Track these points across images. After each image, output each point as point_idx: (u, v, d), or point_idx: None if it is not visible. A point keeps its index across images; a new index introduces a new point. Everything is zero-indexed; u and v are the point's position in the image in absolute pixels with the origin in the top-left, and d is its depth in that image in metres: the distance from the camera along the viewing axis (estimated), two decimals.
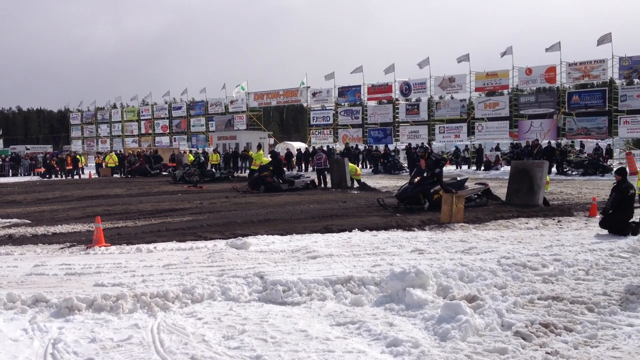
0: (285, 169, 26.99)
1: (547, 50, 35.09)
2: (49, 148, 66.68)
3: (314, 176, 24.84)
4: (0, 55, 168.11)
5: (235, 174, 32.63)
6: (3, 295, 6.23)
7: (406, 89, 41.88)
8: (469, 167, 36.21)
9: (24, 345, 5.09)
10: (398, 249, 9.16)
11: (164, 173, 36.36)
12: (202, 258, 8.59)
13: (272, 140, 51.41)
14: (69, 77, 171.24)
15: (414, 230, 11.36)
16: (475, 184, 16.39)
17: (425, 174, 14.85)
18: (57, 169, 37.76)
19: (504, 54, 36.94)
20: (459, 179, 15.81)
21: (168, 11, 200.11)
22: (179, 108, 56.97)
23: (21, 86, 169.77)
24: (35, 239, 10.87)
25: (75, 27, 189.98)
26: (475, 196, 15.45)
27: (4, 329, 5.40)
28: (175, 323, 5.61)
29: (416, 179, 14.88)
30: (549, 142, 32.37)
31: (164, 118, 58.09)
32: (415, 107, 42.28)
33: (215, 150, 39.47)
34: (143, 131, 59.74)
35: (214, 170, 31.28)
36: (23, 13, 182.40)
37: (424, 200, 14.53)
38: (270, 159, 23.47)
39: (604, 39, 33.00)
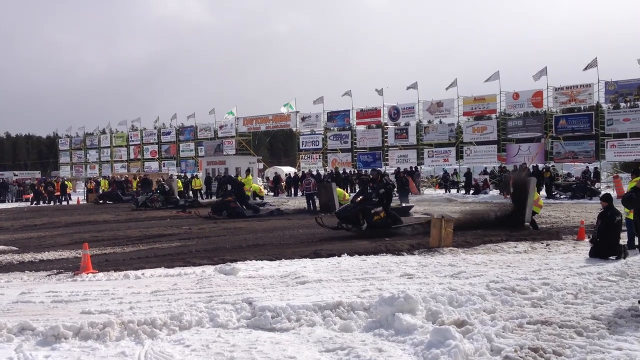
0: (272, 193, 26.63)
1: (534, 77, 35.57)
2: (37, 174, 66.33)
3: (302, 202, 24.78)
4: None
5: (201, 201, 32.05)
6: None
7: (395, 113, 42.20)
8: (457, 191, 36.31)
9: None
10: (387, 274, 9.14)
11: (138, 198, 35.28)
12: (190, 284, 8.54)
13: (261, 165, 51.42)
14: (58, 103, 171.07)
15: (403, 255, 11.35)
16: (422, 214, 16.10)
17: (370, 195, 14.47)
18: (45, 195, 37.50)
19: (489, 79, 37.36)
20: (404, 205, 15.69)
21: (157, 37, 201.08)
22: (168, 133, 57.00)
23: (10, 112, 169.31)
24: (22, 266, 10.79)
25: (64, 53, 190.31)
26: (419, 225, 14.96)
27: None
28: (162, 351, 5.55)
29: (359, 199, 14.57)
30: (536, 165, 32.59)
31: (153, 143, 58.08)
32: (404, 131, 42.58)
33: (196, 176, 39.48)
34: (132, 156, 59.69)
35: (177, 197, 30.39)
36: (12, 39, 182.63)
37: (362, 220, 14.23)
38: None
39: (590, 64, 33.49)
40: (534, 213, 15.45)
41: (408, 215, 14.96)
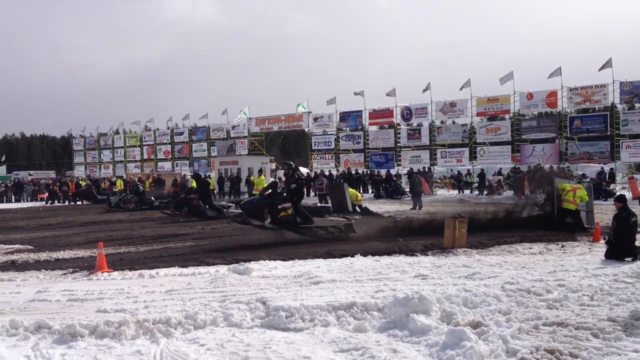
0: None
1: (548, 77, 35.43)
2: (52, 174, 66.85)
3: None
4: (4, 81, 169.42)
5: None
6: (6, 321, 6.20)
7: (407, 113, 42.09)
8: (471, 192, 36.16)
9: None
10: (401, 275, 9.13)
11: (111, 198, 32.37)
12: (204, 284, 8.57)
13: (273, 165, 51.49)
14: (71, 104, 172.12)
15: (416, 256, 11.33)
16: (340, 217, 15.14)
17: (280, 189, 13.79)
18: (60, 194, 37.75)
19: (503, 80, 37.20)
20: (318, 205, 14.70)
21: (169, 38, 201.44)
22: (181, 133, 57.25)
23: (24, 112, 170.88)
24: (38, 265, 10.88)
25: (76, 54, 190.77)
26: (333, 228, 14.17)
27: (6, 355, 5.37)
28: (178, 349, 5.58)
29: (267, 192, 13.67)
30: (551, 166, 32.39)
31: (166, 143, 58.39)
32: (417, 131, 42.47)
33: (209, 176, 39.62)
34: (145, 156, 60.02)
35: (152, 198, 29.14)
36: (25, 41, 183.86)
37: (266, 215, 13.14)
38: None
39: (605, 65, 33.27)
40: (569, 211, 15.32)
41: (323, 216, 14.04)
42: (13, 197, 41.99)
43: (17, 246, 13.80)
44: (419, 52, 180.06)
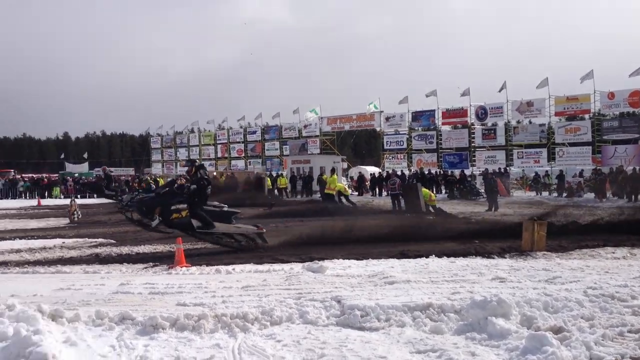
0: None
1: (630, 76, 33.99)
2: (131, 171, 69.36)
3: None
4: (86, 83, 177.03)
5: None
6: (92, 312, 6.47)
7: (482, 113, 41.26)
8: (549, 194, 35.09)
9: None
10: (478, 277, 8.95)
11: (123, 197, 32.85)
12: (279, 281, 8.68)
13: (345, 165, 51.57)
14: (149, 103, 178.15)
15: (493, 258, 11.07)
16: (250, 225, 13.41)
17: (178, 188, 12.33)
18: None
19: (584, 78, 35.95)
20: (225, 209, 12.79)
21: (242, 39, 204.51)
22: (254, 132, 58.20)
23: (106, 112, 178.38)
24: (120, 259, 11.32)
25: (156, 57, 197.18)
26: (241, 236, 12.73)
27: (93, 345, 5.58)
28: (255, 344, 5.66)
29: (163, 191, 12.42)
30: (634, 169, 31.01)
31: (239, 142, 59.53)
32: (492, 131, 41.55)
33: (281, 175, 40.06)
34: (219, 155, 61.35)
35: None
36: (106, 45, 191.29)
37: (156, 216, 11.72)
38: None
39: None
40: None
41: (229, 221, 12.48)
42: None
43: (100, 240, 14.42)
44: (494, 52, 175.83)
